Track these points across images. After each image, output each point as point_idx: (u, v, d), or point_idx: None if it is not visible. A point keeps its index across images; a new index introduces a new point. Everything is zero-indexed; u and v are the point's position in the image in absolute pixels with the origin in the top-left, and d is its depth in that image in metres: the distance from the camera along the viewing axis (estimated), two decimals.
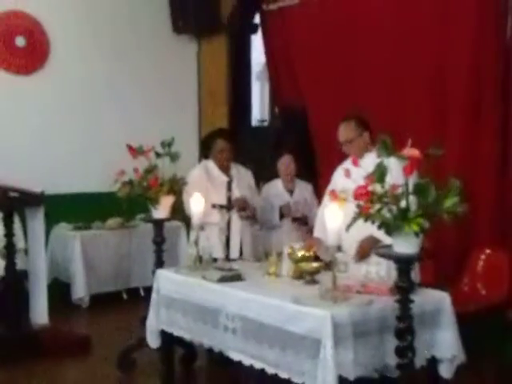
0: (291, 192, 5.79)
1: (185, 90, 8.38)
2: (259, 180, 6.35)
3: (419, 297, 3.80)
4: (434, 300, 3.88)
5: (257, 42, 8.39)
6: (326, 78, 7.19)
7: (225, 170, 5.41)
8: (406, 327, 3.33)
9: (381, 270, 4.30)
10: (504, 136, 5.70)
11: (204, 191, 5.09)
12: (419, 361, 3.69)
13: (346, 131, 4.60)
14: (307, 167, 6.58)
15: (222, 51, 8.20)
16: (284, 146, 6.42)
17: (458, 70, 5.92)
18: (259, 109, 10.21)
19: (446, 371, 3.83)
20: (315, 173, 6.99)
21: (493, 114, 5.70)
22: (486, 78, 5.72)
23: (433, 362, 3.83)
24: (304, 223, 5.65)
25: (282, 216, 5.68)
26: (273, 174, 6.05)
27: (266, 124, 9.25)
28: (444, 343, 3.82)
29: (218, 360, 4.64)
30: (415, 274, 4.31)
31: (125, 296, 7.43)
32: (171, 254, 7.15)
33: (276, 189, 5.80)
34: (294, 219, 5.66)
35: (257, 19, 8.21)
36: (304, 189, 5.83)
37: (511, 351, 4.91)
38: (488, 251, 5.45)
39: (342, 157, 4.73)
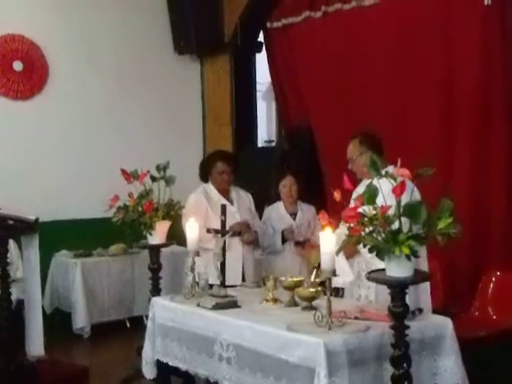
0: (294, 215, 5.78)
1: (188, 111, 8.44)
2: (264, 203, 6.36)
3: (419, 322, 3.80)
4: (435, 325, 3.84)
5: (261, 60, 8.44)
6: (332, 96, 7.24)
7: (224, 193, 5.45)
8: (401, 354, 3.31)
9: (370, 294, 4.30)
10: None
11: (203, 216, 5.13)
12: None
13: (350, 149, 4.64)
14: (313, 188, 6.57)
15: (226, 71, 8.26)
16: (288, 168, 6.43)
17: (465, 85, 5.94)
18: (266, 129, 10.26)
19: None
20: (321, 194, 6.99)
21: (501, 130, 5.70)
22: (493, 92, 5.73)
23: None
24: None
25: (284, 240, 5.68)
26: (278, 197, 6.05)
27: (273, 144, 9.30)
28: (446, 371, 3.78)
29: None
30: (427, 299, 4.32)
31: (128, 325, 7.43)
32: (176, 281, 7.18)
33: (278, 212, 5.79)
34: (297, 243, 5.66)
35: (261, 37, 8.26)
36: (307, 211, 5.82)
37: None
38: (499, 274, 5.42)
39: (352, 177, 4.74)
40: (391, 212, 3.20)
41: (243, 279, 5.39)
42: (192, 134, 8.37)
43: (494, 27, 5.69)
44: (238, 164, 5.77)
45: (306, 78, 7.63)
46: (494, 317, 5.27)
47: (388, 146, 5.62)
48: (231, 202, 5.40)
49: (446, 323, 3.86)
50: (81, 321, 7.09)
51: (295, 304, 4.19)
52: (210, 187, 5.45)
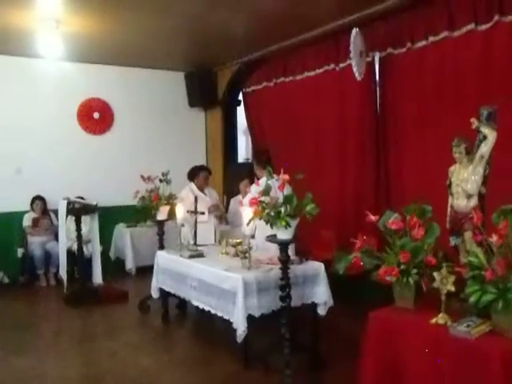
0: None
1: (197, 142, 8.35)
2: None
3: (305, 265, 3.79)
4: (314, 267, 3.85)
5: (241, 111, 8.35)
6: (280, 133, 7.16)
7: (201, 189, 5.40)
8: (285, 284, 3.31)
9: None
10: (377, 168, 5.61)
11: (189, 203, 5.09)
12: (303, 303, 3.69)
13: None
14: None
15: (219, 117, 8.19)
16: (247, 173, 6.36)
17: (351, 129, 5.85)
18: (245, 151, 10.20)
19: (321, 311, 3.80)
20: None
21: (371, 153, 5.62)
22: (367, 131, 5.65)
23: (313, 305, 3.81)
24: None
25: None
26: (239, 191, 5.93)
27: (249, 161, 9.22)
28: (319, 293, 3.80)
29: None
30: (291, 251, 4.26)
31: None
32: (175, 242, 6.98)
33: (237, 201, 5.74)
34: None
35: (240, 97, 8.20)
36: None
37: (368, 297, 4.81)
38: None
39: None
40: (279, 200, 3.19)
41: (215, 241, 5.35)
42: (198, 155, 8.28)
43: (365, 93, 5.61)
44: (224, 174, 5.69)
45: (266, 122, 7.57)
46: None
47: (308, 160, 5.62)
48: (205, 195, 5.37)
49: (320, 266, 3.86)
50: (130, 264, 7.05)
51: (237, 255, 4.18)
52: (193, 186, 5.40)
